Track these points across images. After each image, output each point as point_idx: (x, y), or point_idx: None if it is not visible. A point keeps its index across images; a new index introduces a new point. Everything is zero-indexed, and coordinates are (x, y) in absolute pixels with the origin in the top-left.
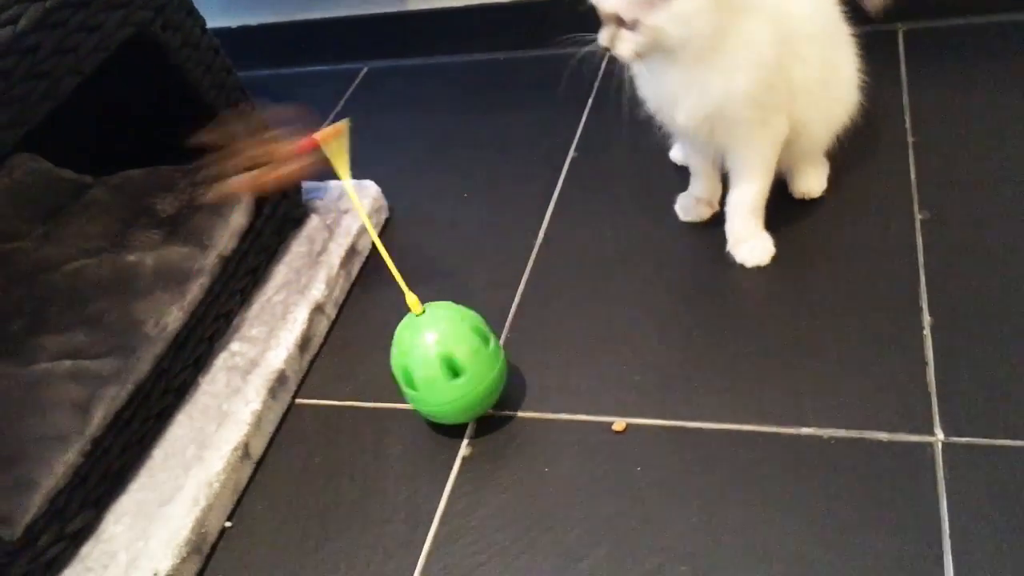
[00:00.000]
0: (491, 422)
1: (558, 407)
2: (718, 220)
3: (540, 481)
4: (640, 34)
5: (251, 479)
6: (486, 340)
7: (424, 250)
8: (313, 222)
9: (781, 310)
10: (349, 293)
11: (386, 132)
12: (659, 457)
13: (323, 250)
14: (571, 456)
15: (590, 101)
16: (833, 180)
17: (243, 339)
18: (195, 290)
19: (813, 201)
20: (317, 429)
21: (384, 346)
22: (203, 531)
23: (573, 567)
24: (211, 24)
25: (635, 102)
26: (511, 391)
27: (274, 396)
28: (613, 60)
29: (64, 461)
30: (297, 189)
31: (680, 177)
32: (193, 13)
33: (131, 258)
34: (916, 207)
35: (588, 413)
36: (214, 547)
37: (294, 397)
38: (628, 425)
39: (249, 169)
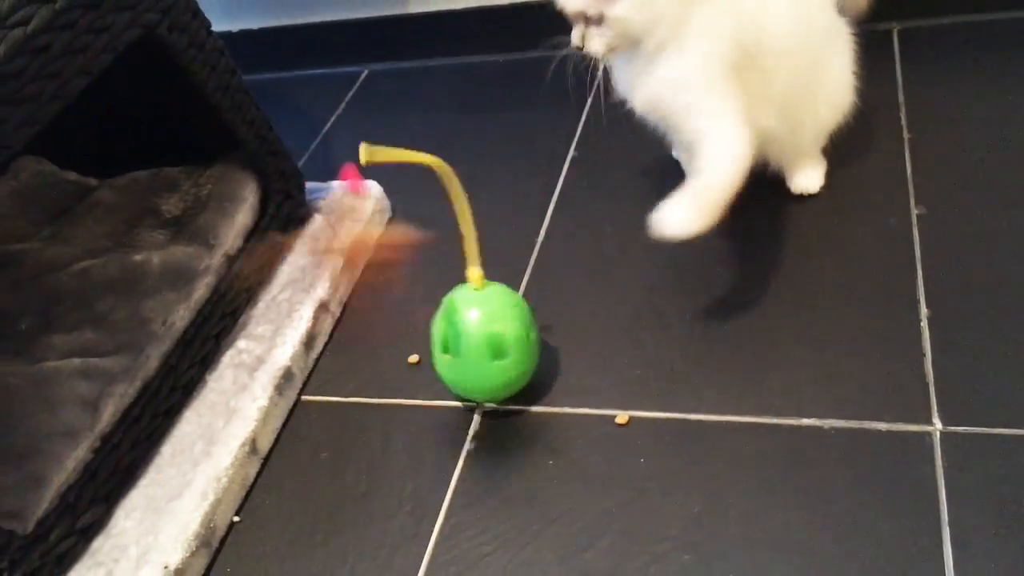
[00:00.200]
0: (495, 416)
1: (562, 401)
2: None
3: (544, 474)
4: (607, 27)
5: (259, 474)
6: (528, 332)
7: (426, 249)
8: (317, 221)
9: (781, 303)
10: (353, 291)
11: (387, 133)
12: (662, 449)
13: (327, 249)
14: (575, 449)
15: (589, 100)
16: (831, 176)
17: (249, 337)
18: (201, 289)
19: (811, 196)
20: (323, 425)
21: (389, 343)
22: (212, 525)
23: (578, 557)
24: (213, 29)
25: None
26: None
27: (280, 393)
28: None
29: (74, 457)
30: (300, 188)
31: (680, 175)
32: (199, 15)
33: (137, 258)
34: (912, 202)
35: (591, 407)
36: (223, 541)
37: (300, 394)
38: (631, 418)
39: None
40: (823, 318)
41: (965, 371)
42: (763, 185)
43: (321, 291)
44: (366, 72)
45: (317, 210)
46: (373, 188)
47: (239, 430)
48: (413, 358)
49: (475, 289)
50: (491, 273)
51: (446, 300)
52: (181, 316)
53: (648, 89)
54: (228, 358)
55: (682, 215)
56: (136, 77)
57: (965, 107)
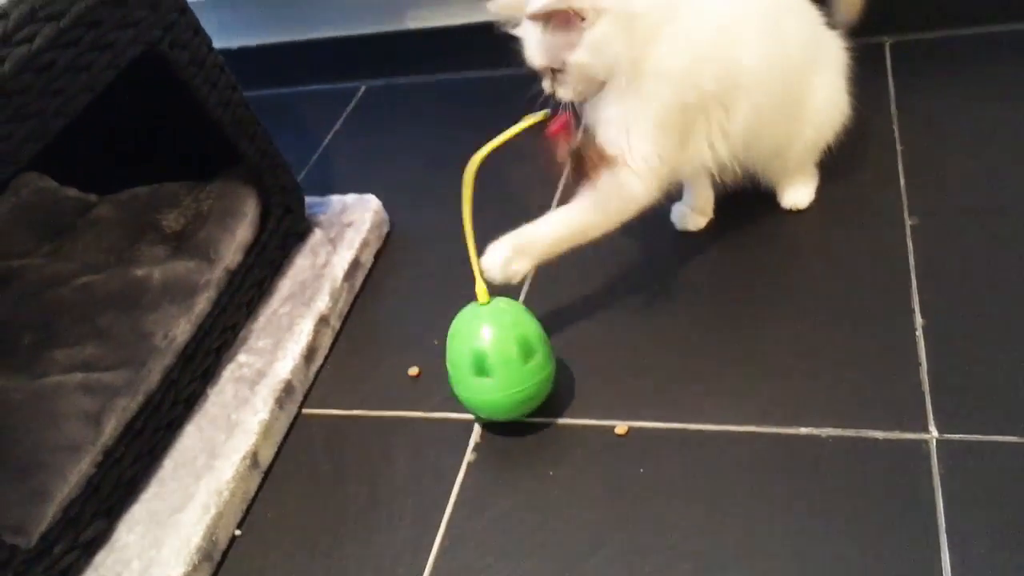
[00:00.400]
0: (496, 428)
1: (561, 412)
2: (713, 228)
3: (545, 485)
4: (570, 74)
5: (260, 487)
6: (545, 339)
7: (425, 262)
8: (316, 236)
9: (776, 314)
10: (353, 305)
11: (385, 148)
12: (661, 459)
13: (327, 263)
14: (575, 460)
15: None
16: (826, 187)
17: (250, 351)
18: (202, 303)
19: (806, 209)
20: (324, 438)
21: (389, 355)
22: (214, 539)
23: (579, 568)
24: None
25: None
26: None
27: (281, 406)
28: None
29: (77, 471)
30: (300, 203)
31: (675, 188)
32: (200, 32)
33: (139, 272)
34: (906, 213)
35: (591, 417)
36: (225, 555)
37: (301, 407)
38: (630, 428)
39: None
40: (820, 328)
41: (960, 379)
42: (759, 197)
43: (321, 305)
44: (364, 88)
45: (317, 224)
46: (372, 202)
47: (240, 443)
48: (413, 370)
49: (482, 304)
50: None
51: (457, 327)
52: (182, 330)
53: (603, 127)
54: (229, 372)
55: (510, 262)
56: (137, 93)
57: (957, 119)
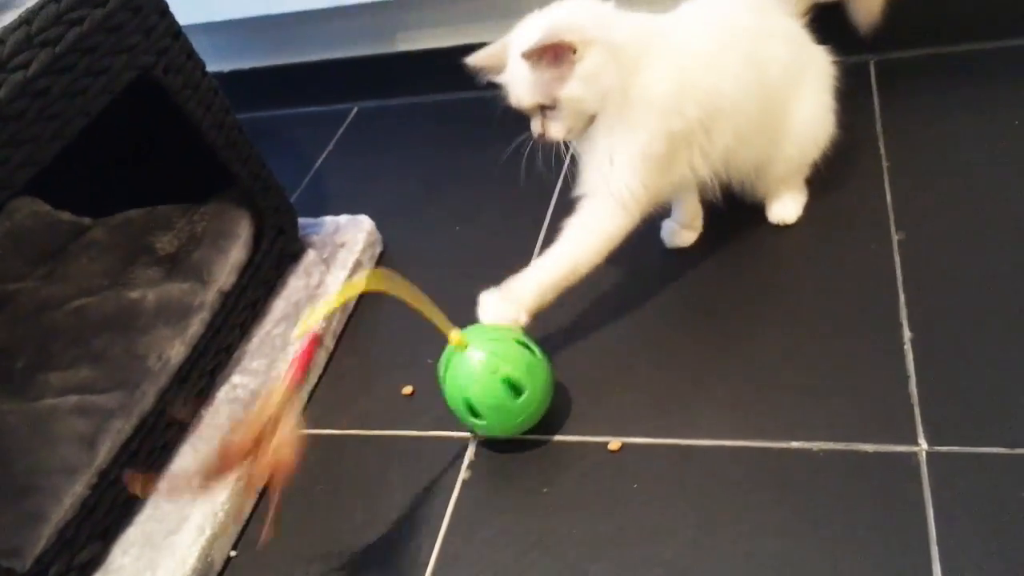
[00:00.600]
0: (490, 445)
1: (555, 428)
2: (702, 244)
3: (539, 501)
4: (562, 110)
5: (255, 508)
6: (532, 350)
7: (418, 282)
8: (310, 256)
9: (767, 329)
10: (346, 325)
11: (378, 169)
12: (654, 474)
13: (320, 283)
14: (569, 476)
15: (559, 183)
16: (814, 203)
17: (244, 372)
18: (196, 325)
19: (795, 224)
20: (319, 458)
21: (383, 374)
22: (209, 560)
23: None
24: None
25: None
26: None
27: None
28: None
29: (72, 493)
30: (293, 224)
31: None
32: (193, 56)
33: (133, 295)
34: (893, 228)
35: (584, 434)
36: None
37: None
38: (623, 444)
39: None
40: (809, 343)
41: (949, 391)
42: (748, 212)
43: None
44: (356, 109)
45: (310, 245)
46: (365, 222)
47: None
48: (407, 389)
49: (461, 348)
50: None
51: (443, 372)
52: (176, 352)
53: (583, 149)
54: (223, 393)
55: (503, 311)
56: (130, 116)
57: (941, 135)
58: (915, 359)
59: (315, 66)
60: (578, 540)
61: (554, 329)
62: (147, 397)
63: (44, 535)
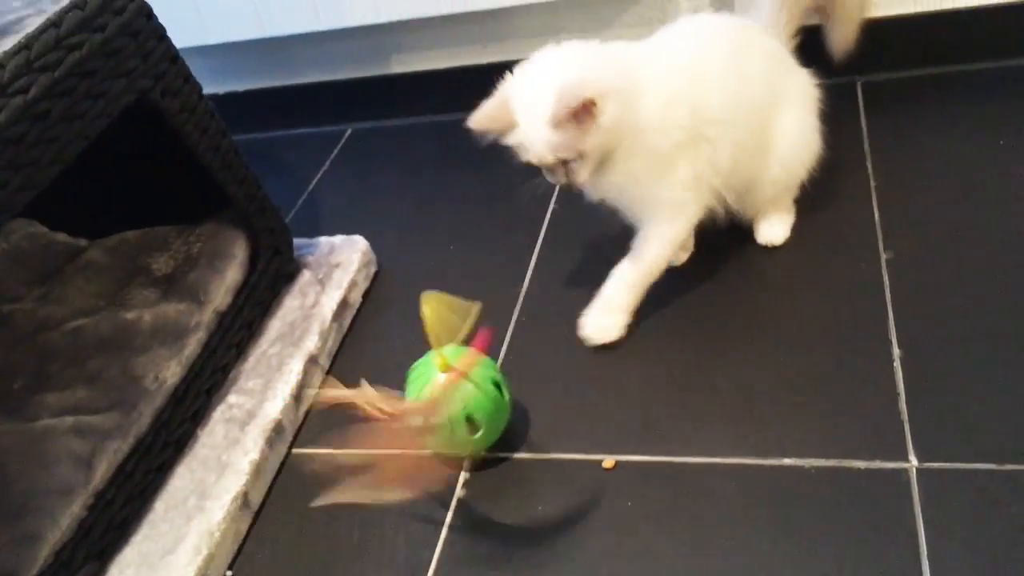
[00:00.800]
0: (485, 464)
1: (549, 447)
2: (695, 264)
3: (534, 519)
4: (587, 158)
5: (251, 528)
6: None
7: (412, 302)
8: (305, 277)
9: (759, 348)
10: (341, 344)
11: (372, 190)
12: (648, 492)
13: (315, 303)
14: (564, 494)
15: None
16: (804, 223)
17: (240, 391)
18: (192, 345)
19: (785, 244)
20: (314, 477)
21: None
22: None
23: None
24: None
25: None
26: (504, 433)
27: (271, 446)
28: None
29: (68, 514)
30: (289, 244)
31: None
32: (190, 80)
33: (129, 315)
34: (881, 247)
35: (579, 452)
36: None
37: (291, 447)
38: (617, 462)
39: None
40: (800, 361)
41: (938, 408)
42: (740, 234)
43: (310, 345)
44: (350, 130)
45: (305, 265)
46: (359, 242)
47: (231, 484)
48: None
49: (442, 370)
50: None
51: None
52: (173, 372)
53: (611, 181)
54: (219, 413)
55: (611, 323)
56: (127, 138)
57: (928, 155)
58: (904, 376)
59: (310, 88)
60: (573, 557)
61: (548, 347)
62: (144, 418)
63: (41, 556)
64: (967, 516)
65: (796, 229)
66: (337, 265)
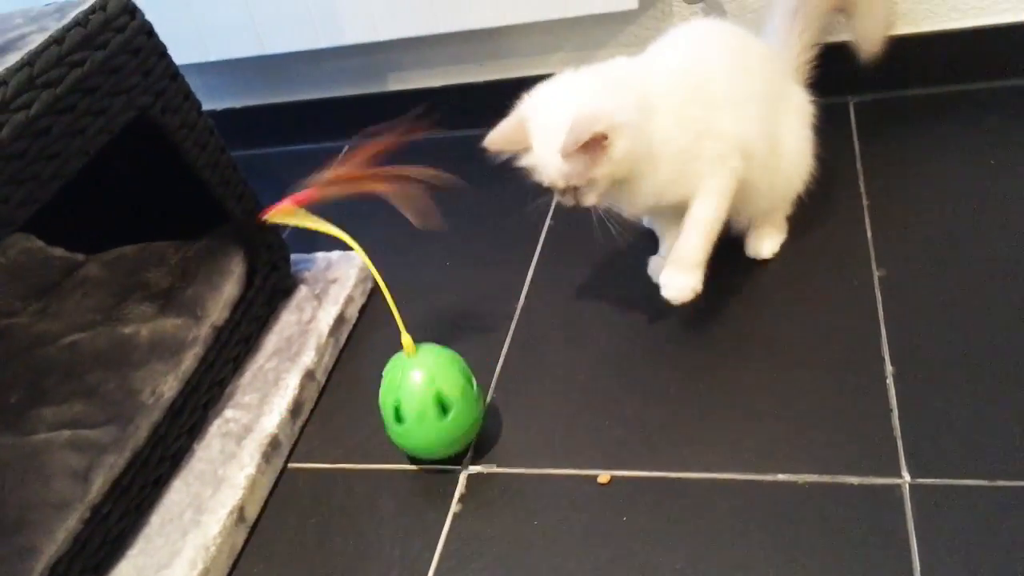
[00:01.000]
0: (481, 479)
1: (545, 462)
2: None
3: (530, 534)
4: (598, 185)
5: (247, 542)
6: (471, 382)
7: (409, 316)
8: (302, 292)
9: (753, 364)
10: (338, 359)
11: (368, 205)
12: (643, 507)
13: (312, 318)
14: (559, 509)
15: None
16: (797, 241)
17: (237, 406)
18: (190, 359)
19: (779, 262)
20: (310, 492)
21: (374, 408)
22: None
23: None
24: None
25: None
26: (499, 448)
27: (268, 460)
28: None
29: (64, 528)
30: (286, 260)
31: (650, 241)
32: (190, 97)
33: (126, 330)
34: (874, 264)
35: (574, 467)
36: None
37: (287, 461)
38: (613, 477)
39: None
40: (794, 377)
41: (930, 424)
42: (733, 251)
43: (307, 360)
44: (347, 147)
45: (302, 281)
46: (356, 258)
47: (227, 498)
48: None
49: (409, 357)
50: (473, 340)
51: (385, 373)
52: (170, 387)
53: (646, 194)
54: (216, 427)
55: (686, 279)
56: (125, 154)
57: (921, 174)
58: (897, 393)
59: (308, 105)
60: (568, 572)
61: (543, 362)
62: (140, 432)
63: (36, 570)
64: (960, 532)
65: (790, 247)
66: (334, 281)
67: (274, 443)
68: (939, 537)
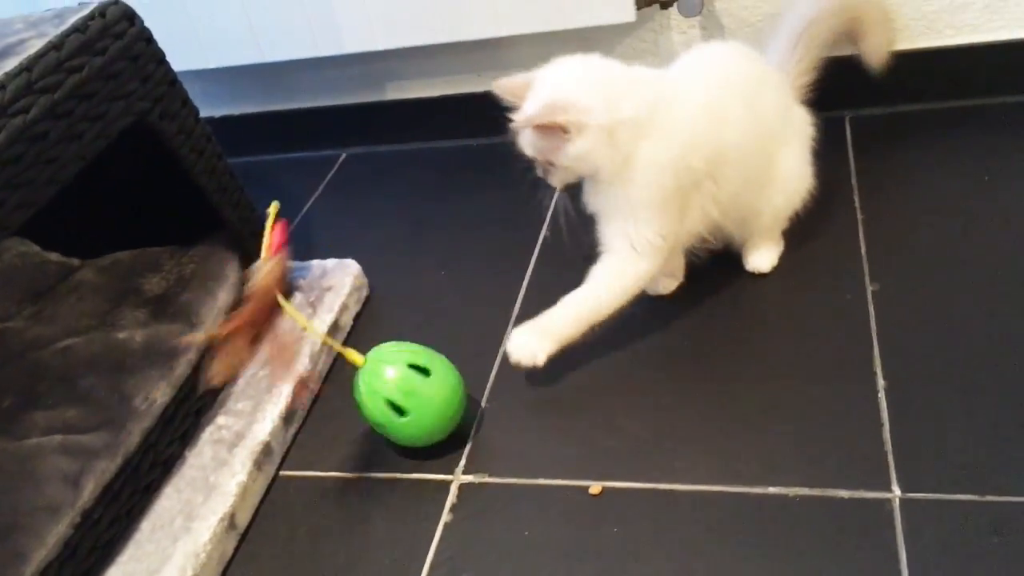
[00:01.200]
0: (472, 488)
1: (536, 473)
2: (684, 292)
3: (520, 545)
4: (558, 170)
5: (237, 549)
6: (426, 371)
7: (403, 325)
8: (297, 299)
9: (745, 376)
10: (332, 367)
11: (365, 214)
12: (635, 519)
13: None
14: (550, 520)
15: (547, 220)
16: (792, 254)
17: (229, 413)
18: (183, 366)
19: (773, 275)
20: (302, 500)
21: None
22: None
23: None
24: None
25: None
26: (490, 458)
27: (259, 468)
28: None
29: (55, 533)
30: None
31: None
32: (188, 103)
33: (120, 335)
34: (867, 279)
35: (565, 478)
36: None
37: (279, 469)
38: (604, 488)
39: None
40: (786, 390)
41: (921, 439)
42: (728, 263)
43: (300, 368)
44: (344, 155)
45: (297, 288)
46: (352, 266)
47: (218, 505)
48: None
49: (363, 365)
50: (468, 349)
51: (360, 392)
52: (163, 393)
53: (597, 206)
54: (208, 434)
55: (534, 343)
56: (122, 159)
57: (914, 189)
58: (888, 407)
59: (305, 112)
60: None
61: (536, 376)
62: (132, 437)
63: (26, 575)
64: (949, 547)
65: (784, 260)
66: (329, 288)
67: (266, 450)
68: (928, 552)
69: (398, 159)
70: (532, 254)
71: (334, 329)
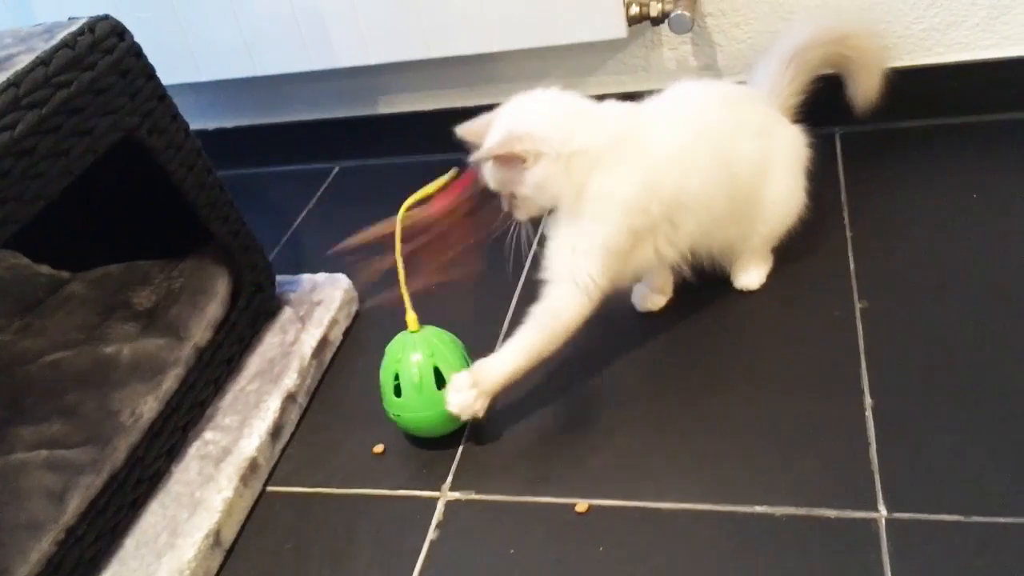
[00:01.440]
0: (459, 505)
1: (523, 490)
2: (672, 309)
3: (507, 563)
4: (521, 201)
5: (222, 566)
6: (468, 365)
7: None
8: (286, 314)
9: (732, 394)
10: (320, 382)
11: (357, 228)
12: (621, 537)
13: (295, 340)
14: (536, 538)
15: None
16: (780, 272)
17: (216, 428)
18: (171, 380)
19: (761, 292)
20: (288, 516)
21: (355, 433)
22: None
23: None
24: (189, 126)
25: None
26: (478, 475)
27: (246, 484)
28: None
29: (38, 550)
30: (271, 281)
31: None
32: (177, 118)
33: (108, 350)
34: (856, 296)
35: (552, 495)
36: None
37: (266, 485)
38: (591, 506)
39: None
40: (774, 408)
41: (908, 459)
42: (717, 280)
43: (289, 382)
44: (337, 168)
45: (287, 302)
46: (342, 280)
47: (203, 522)
48: (378, 448)
49: (412, 332)
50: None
51: (389, 348)
52: (150, 408)
53: (556, 246)
54: (194, 449)
55: (469, 401)
56: (112, 173)
57: (904, 207)
58: (875, 426)
59: (298, 126)
60: None
61: (524, 391)
62: (118, 453)
63: None
64: (935, 567)
65: (772, 277)
66: (319, 303)
67: (253, 466)
68: (914, 572)
69: (390, 173)
70: (523, 268)
71: (323, 344)
